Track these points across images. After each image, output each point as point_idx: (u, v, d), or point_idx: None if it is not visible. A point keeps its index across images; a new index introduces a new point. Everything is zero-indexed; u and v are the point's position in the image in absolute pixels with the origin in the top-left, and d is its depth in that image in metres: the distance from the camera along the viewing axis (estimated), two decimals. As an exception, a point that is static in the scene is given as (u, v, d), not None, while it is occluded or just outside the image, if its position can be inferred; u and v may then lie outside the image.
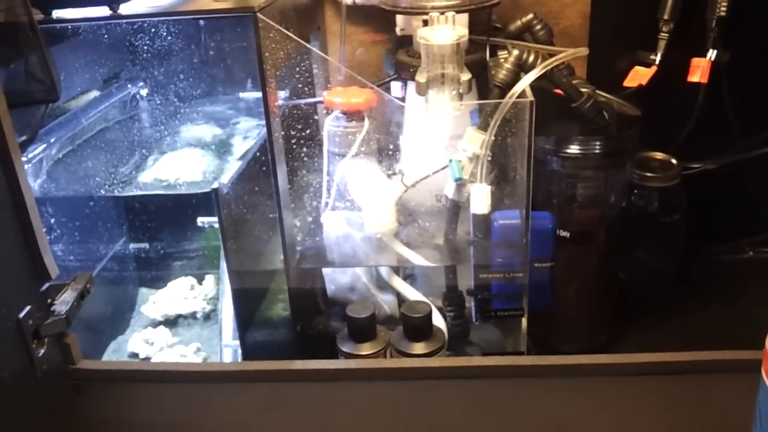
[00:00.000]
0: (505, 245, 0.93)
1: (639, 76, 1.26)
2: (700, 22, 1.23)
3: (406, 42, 1.13)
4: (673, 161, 1.25)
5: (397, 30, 1.18)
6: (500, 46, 1.08)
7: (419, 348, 0.91)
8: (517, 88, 0.89)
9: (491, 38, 1.09)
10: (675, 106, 1.27)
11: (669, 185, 1.24)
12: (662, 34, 1.26)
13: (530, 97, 0.87)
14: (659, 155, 1.26)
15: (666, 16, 1.25)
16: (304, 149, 1.06)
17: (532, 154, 0.87)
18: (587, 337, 1.21)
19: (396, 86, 1.15)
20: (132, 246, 1.29)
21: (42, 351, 0.78)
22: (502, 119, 0.89)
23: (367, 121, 1.01)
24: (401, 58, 1.08)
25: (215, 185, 0.87)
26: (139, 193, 1.01)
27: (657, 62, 1.25)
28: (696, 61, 1.24)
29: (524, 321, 0.97)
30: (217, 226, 0.90)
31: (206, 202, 0.93)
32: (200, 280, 1.31)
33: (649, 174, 1.23)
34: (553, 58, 0.91)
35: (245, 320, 0.99)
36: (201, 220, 0.99)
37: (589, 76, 1.23)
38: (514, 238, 0.92)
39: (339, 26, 1.30)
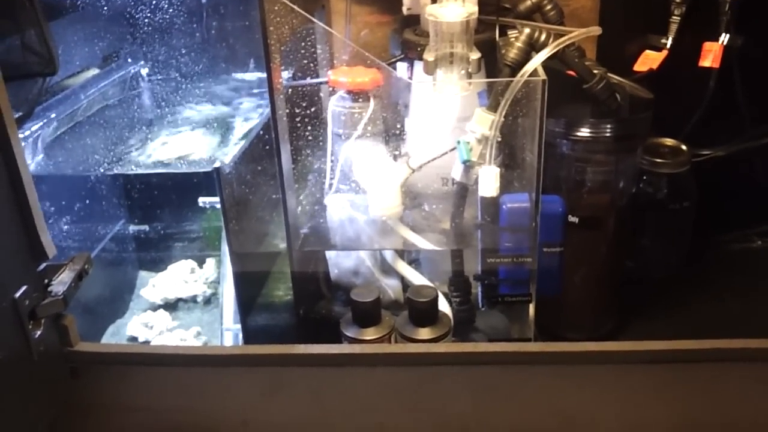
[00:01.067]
0: (514, 229, 0.90)
1: (650, 60, 1.24)
2: (713, 6, 1.20)
3: (413, 22, 1.10)
4: (683, 147, 1.23)
5: (404, 9, 1.14)
6: (509, 27, 1.05)
7: (424, 333, 0.89)
8: (529, 67, 0.86)
9: (500, 18, 1.07)
10: (686, 92, 1.25)
11: (678, 172, 1.21)
12: (674, 17, 1.23)
13: (542, 75, 0.85)
14: (669, 141, 1.23)
15: (678, -1, 1.22)
16: (308, 129, 1.03)
17: (543, 135, 0.85)
18: (594, 325, 1.19)
19: (402, 67, 1.12)
20: (132, 227, 1.27)
21: (38, 332, 0.76)
22: (512, 99, 0.87)
23: (372, 102, 0.99)
24: (408, 37, 1.06)
25: (217, 164, 0.85)
26: (139, 171, 0.99)
27: (668, 46, 1.23)
28: (708, 46, 1.21)
29: (532, 307, 0.95)
30: (218, 207, 0.88)
31: (208, 182, 0.91)
32: (201, 263, 1.29)
33: (658, 160, 1.21)
34: (566, 37, 0.88)
35: (247, 304, 0.97)
36: (202, 201, 0.96)
37: (598, 60, 1.20)
38: (523, 221, 0.90)
39: (344, 5, 1.27)
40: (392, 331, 0.91)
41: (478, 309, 1.01)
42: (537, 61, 0.87)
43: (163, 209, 1.24)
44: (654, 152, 1.21)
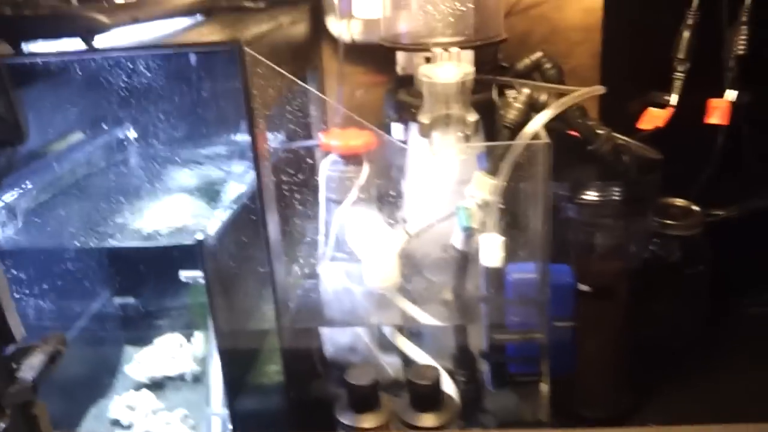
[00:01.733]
0: (521, 302, 0.84)
1: (654, 118, 1.20)
2: (717, 62, 1.17)
3: (408, 82, 1.06)
4: (695, 208, 1.17)
5: (398, 69, 1.12)
6: (508, 86, 1.01)
7: (428, 420, 0.81)
8: (530, 129, 0.82)
9: (498, 77, 1.03)
10: (693, 150, 1.20)
11: (691, 234, 1.15)
12: (677, 73, 1.20)
13: (545, 138, 0.80)
14: (679, 202, 1.18)
15: (681, 55, 1.19)
16: (300, 195, 0.98)
17: (549, 201, 0.80)
18: (611, 401, 1.11)
19: (397, 129, 1.08)
20: (116, 301, 1.21)
21: (3, 425, 0.69)
22: (513, 163, 0.82)
23: (366, 166, 0.95)
24: (402, 98, 1.02)
25: (199, 236, 0.80)
26: (117, 245, 0.93)
27: (673, 103, 1.19)
28: (714, 102, 1.18)
29: (545, 386, 0.87)
30: (202, 281, 0.82)
31: (192, 254, 0.85)
32: (189, 337, 1.22)
33: (669, 222, 1.15)
34: (569, 97, 0.84)
35: (235, 386, 0.90)
36: (184, 276, 0.90)
37: (601, 119, 1.16)
38: (531, 293, 0.84)
39: (337, 66, 1.24)
40: (392, 418, 0.83)
41: (486, 389, 0.93)
42: (538, 122, 0.82)
43: (148, 282, 1.18)
44: (664, 214, 1.16)
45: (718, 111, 1.17)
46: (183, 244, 0.85)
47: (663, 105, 1.20)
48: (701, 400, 1.14)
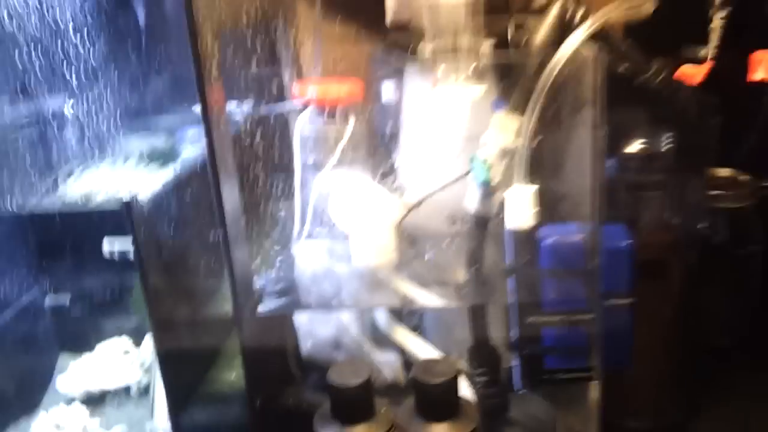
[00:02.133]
0: (562, 273, 0.64)
1: (688, 76, 1.03)
2: (760, 8, 1.02)
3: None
4: (743, 177, 0.99)
5: (387, 20, 0.94)
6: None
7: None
8: (568, 47, 0.63)
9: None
10: (734, 112, 1.03)
11: (740, 207, 0.97)
12: (715, 22, 1.04)
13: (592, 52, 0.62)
14: (725, 171, 1.00)
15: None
16: (269, 157, 0.80)
17: (602, 132, 0.61)
18: (661, 409, 0.91)
19: (388, 89, 0.90)
20: (48, 297, 0.99)
21: None
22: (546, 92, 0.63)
23: (352, 120, 0.79)
24: (396, 39, 0.83)
25: (126, 197, 0.59)
26: (38, 212, 0.73)
27: (711, 57, 1.02)
28: (759, 55, 1.01)
29: (595, 387, 0.67)
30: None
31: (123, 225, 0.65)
32: (139, 341, 1.01)
33: (713, 193, 0.97)
34: (613, 4, 0.66)
35: (181, 393, 0.69)
36: (108, 247, 0.69)
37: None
38: (575, 261, 0.64)
39: (313, 22, 1.06)
40: (391, 429, 0.62)
41: (515, 391, 0.72)
42: (578, 38, 0.64)
43: (86, 270, 0.97)
44: (708, 184, 0.97)
45: (765, 65, 1.01)
46: (107, 208, 0.65)
47: (698, 60, 1.04)
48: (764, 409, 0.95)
